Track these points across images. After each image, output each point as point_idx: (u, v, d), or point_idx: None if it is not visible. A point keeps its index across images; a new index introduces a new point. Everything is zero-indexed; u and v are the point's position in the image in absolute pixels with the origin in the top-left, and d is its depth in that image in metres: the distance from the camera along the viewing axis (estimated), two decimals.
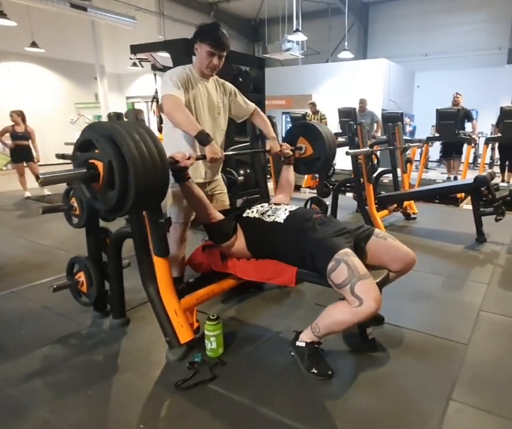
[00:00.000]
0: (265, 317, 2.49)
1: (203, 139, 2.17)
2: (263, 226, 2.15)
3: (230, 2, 14.49)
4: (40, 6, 8.81)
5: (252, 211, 2.26)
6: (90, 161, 1.67)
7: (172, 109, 2.22)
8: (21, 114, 6.77)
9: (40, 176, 1.56)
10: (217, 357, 2.04)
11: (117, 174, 1.59)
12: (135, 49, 5.31)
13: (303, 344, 1.95)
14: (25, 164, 6.75)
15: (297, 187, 7.24)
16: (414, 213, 4.92)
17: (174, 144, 2.35)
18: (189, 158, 2.04)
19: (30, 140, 6.78)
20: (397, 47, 13.99)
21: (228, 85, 2.61)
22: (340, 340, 2.18)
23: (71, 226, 2.41)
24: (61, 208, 2.38)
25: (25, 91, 11.47)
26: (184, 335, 2.04)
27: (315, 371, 1.90)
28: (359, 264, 1.81)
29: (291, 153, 2.66)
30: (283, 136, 13.15)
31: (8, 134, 6.69)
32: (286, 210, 2.19)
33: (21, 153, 6.72)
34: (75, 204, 2.33)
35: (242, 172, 5.32)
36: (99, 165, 1.64)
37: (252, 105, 2.71)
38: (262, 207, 2.29)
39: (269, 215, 2.18)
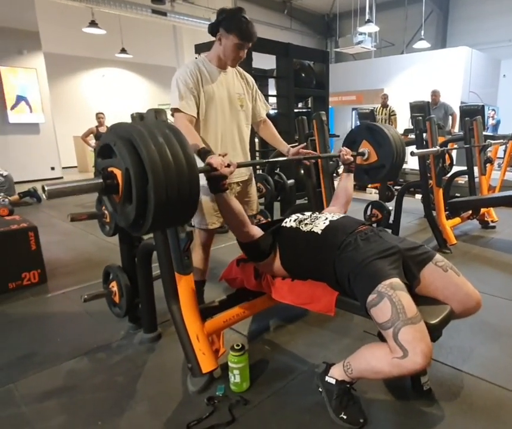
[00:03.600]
0: (303, 343, 2.10)
1: (201, 157, 1.79)
2: (299, 236, 1.76)
3: None
4: (125, 14, 9.10)
5: (290, 220, 1.87)
6: (109, 169, 1.37)
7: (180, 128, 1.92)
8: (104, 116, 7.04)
9: (46, 188, 1.21)
10: (241, 391, 1.72)
11: (134, 183, 1.26)
12: (199, 48, 5.15)
13: (333, 381, 1.56)
14: None
15: (363, 188, 6.62)
16: (492, 221, 4.11)
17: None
18: (228, 165, 1.62)
19: None
20: (482, 33, 12.34)
21: (250, 77, 2.27)
22: (381, 382, 1.72)
23: (104, 234, 2.23)
24: (94, 215, 2.19)
25: (115, 94, 12.08)
26: (206, 364, 1.74)
27: (344, 417, 1.51)
28: (408, 303, 1.36)
29: (352, 159, 2.18)
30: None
31: (92, 135, 6.96)
32: (326, 218, 1.77)
33: None
34: (106, 211, 2.13)
35: (301, 172, 4.92)
36: (118, 173, 1.33)
37: (265, 111, 2.35)
38: (302, 214, 1.90)
39: (306, 224, 1.78)
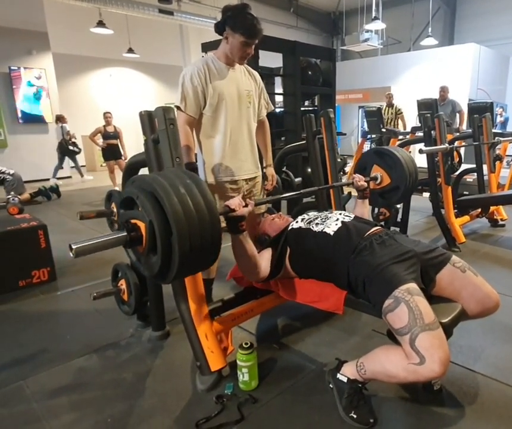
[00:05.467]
0: (312, 342, 2.08)
1: (189, 169, 1.87)
2: (309, 236, 1.72)
3: None
4: (133, 13, 9.11)
5: (297, 221, 1.85)
6: (133, 221, 1.33)
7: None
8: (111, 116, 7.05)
9: (73, 246, 1.19)
10: (249, 390, 1.71)
11: (159, 237, 1.24)
12: (205, 47, 5.13)
13: (345, 379, 1.54)
14: (114, 162, 7.00)
15: None
16: (502, 219, 4.06)
17: (204, 150, 2.17)
18: (246, 205, 1.58)
19: (118, 140, 7.00)
20: (490, 30, 12.17)
21: (257, 74, 2.27)
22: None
23: (112, 232, 2.23)
24: (102, 213, 2.20)
25: (122, 94, 12.10)
26: (215, 362, 1.74)
27: (354, 416, 1.49)
28: (425, 308, 1.33)
29: (366, 185, 2.11)
30: (360, 133, 12.34)
31: (99, 135, 6.97)
32: (337, 219, 1.74)
33: (111, 151, 6.95)
34: (115, 209, 2.13)
35: (309, 170, 4.90)
36: (141, 226, 1.30)
37: (266, 111, 2.36)
38: (308, 214, 1.88)
39: (317, 224, 1.75)
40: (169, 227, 1.22)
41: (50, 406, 1.68)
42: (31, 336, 2.26)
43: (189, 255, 1.26)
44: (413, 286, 1.39)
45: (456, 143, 4.04)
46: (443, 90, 6.63)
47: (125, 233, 1.30)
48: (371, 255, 1.53)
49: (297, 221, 1.85)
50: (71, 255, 1.19)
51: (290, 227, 1.85)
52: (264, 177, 2.43)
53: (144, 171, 1.95)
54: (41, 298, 2.76)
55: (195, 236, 1.25)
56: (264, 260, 1.78)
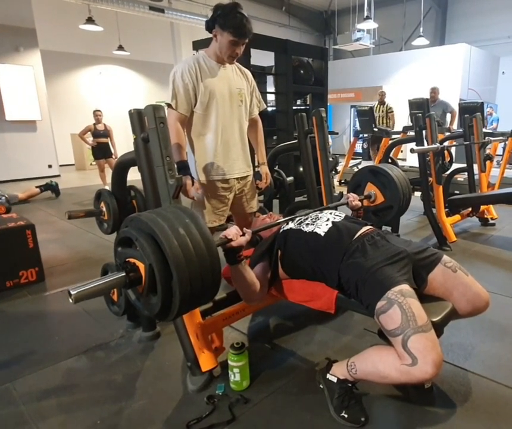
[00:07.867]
0: (304, 342, 2.09)
1: (181, 167, 1.96)
2: (300, 237, 1.72)
3: None
4: (123, 10, 9.05)
5: (287, 223, 1.85)
6: (132, 260, 1.30)
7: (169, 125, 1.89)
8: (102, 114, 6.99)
9: (72, 292, 1.16)
10: (241, 390, 1.71)
11: (159, 280, 1.23)
12: (197, 45, 5.11)
13: (335, 380, 1.55)
14: (104, 160, 6.94)
15: None
16: (492, 218, 4.11)
17: (195, 149, 2.17)
18: (243, 234, 1.55)
19: (109, 138, 6.94)
20: (481, 30, 12.33)
21: (249, 73, 2.27)
22: None
23: (102, 232, 2.22)
24: (91, 213, 2.18)
25: (112, 91, 12.01)
26: (206, 363, 1.73)
27: (345, 415, 1.50)
28: (418, 310, 1.34)
29: (360, 204, 2.10)
30: (352, 132, 12.41)
31: (89, 133, 6.90)
32: (328, 219, 1.73)
33: (101, 150, 6.88)
34: (104, 209, 2.12)
35: (300, 169, 4.91)
36: (140, 266, 1.27)
37: (258, 110, 2.37)
38: (298, 216, 1.87)
39: (307, 224, 1.74)
40: (169, 271, 1.21)
41: (38, 408, 1.66)
42: (19, 337, 2.23)
43: (190, 296, 1.26)
44: (406, 287, 1.39)
45: (447, 143, 4.09)
46: (434, 92, 6.69)
47: (123, 274, 1.27)
48: (364, 257, 1.53)
49: (287, 224, 1.85)
50: (70, 301, 1.16)
51: (281, 230, 1.85)
52: (256, 175, 2.43)
53: (134, 170, 1.95)
54: (29, 299, 2.73)
55: (196, 278, 1.24)
56: (261, 280, 1.76)
